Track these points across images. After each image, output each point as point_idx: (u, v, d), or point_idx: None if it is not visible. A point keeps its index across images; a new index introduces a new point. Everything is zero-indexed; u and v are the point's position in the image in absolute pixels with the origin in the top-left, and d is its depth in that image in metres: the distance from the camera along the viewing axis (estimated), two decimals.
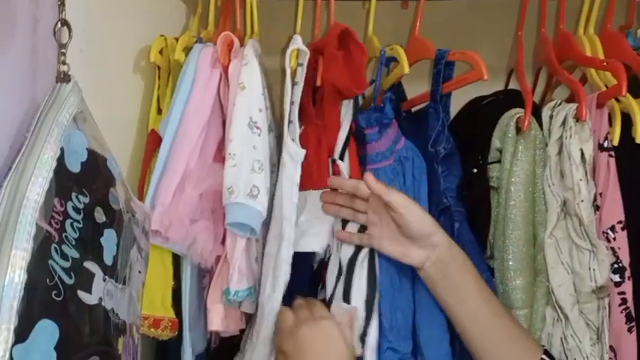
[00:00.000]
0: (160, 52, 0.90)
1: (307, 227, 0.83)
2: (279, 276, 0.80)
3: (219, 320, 0.85)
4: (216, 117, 0.87)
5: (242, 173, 0.79)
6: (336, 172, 0.84)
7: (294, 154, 0.83)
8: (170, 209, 0.80)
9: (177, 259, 0.86)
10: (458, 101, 0.95)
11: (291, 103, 0.83)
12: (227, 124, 0.84)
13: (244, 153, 0.80)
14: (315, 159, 0.85)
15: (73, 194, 0.55)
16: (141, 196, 0.88)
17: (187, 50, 0.89)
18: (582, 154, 0.81)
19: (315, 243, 0.82)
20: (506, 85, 1.07)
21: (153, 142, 0.89)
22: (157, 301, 0.83)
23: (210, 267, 0.86)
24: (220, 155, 0.87)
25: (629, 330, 0.81)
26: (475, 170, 0.90)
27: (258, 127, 0.81)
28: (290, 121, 0.84)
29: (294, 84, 0.83)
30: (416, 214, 0.75)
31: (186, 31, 1.01)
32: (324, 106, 0.85)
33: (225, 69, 0.87)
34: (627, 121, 0.81)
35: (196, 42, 0.92)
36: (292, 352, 0.72)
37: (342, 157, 0.84)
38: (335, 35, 0.78)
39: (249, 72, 0.83)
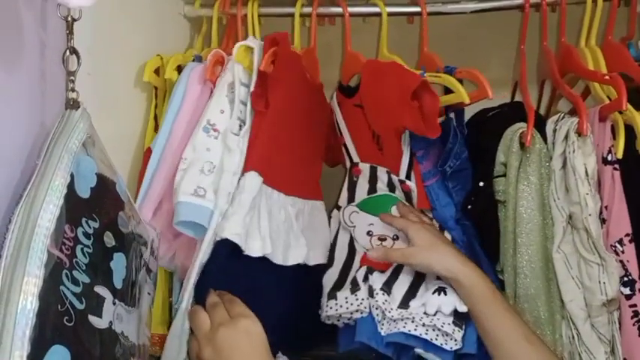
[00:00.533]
0: (157, 71, 0.91)
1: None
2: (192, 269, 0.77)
3: None
4: None
5: (187, 175, 0.77)
6: (406, 188, 0.91)
7: (230, 143, 0.81)
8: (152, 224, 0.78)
9: (172, 277, 0.87)
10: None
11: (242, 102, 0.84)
12: None
13: (195, 156, 0.79)
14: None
15: (83, 220, 0.56)
16: None
17: (181, 69, 0.90)
18: (586, 168, 0.81)
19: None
20: (512, 97, 1.07)
21: (148, 160, 0.90)
22: (155, 319, 0.82)
23: None
24: None
25: None
26: (481, 183, 0.91)
27: (215, 130, 0.80)
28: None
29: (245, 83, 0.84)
30: (419, 269, 0.86)
31: (190, 49, 1.03)
32: (385, 136, 0.92)
33: (215, 84, 0.87)
34: (631, 133, 0.82)
35: (193, 60, 0.93)
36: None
37: (408, 177, 0.91)
38: (410, 89, 0.83)
39: (220, 79, 0.84)
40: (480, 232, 0.91)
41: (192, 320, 0.72)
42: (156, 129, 0.91)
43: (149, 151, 0.89)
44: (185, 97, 0.85)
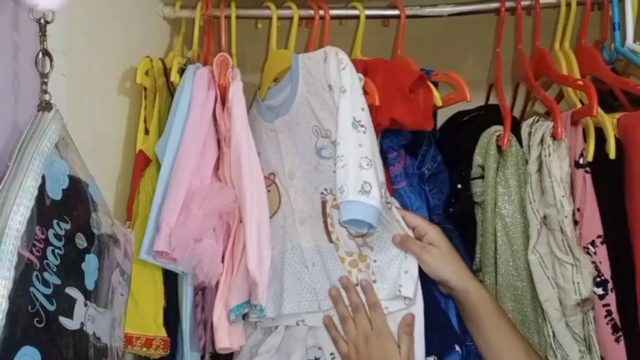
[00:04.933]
0: (146, 72, 0.91)
1: None
2: None
3: (226, 338, 0.85)
4: (212, 137, 0.88)
5: (350, 172, 0.80)
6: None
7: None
8: (176, 230, 0.80)
9: (168, 279, 0.87)
10: (440, 115, 0.96)
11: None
12: (334, 128, 0.84)
13: (350, 152, 0.81)
14: None
15: (55, 221, 0.56)
16: (129, 216, 0.88)
17: (181, 71, 0.91)
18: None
19: None
20: (487, 99, 1.09)
21: (141, 162, 0.90)
22: (148, 321, 0.84)
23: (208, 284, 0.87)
24: (217, 174, 0.89)
25: (617, 340, 0.83)
26: (459, 186, 0.92)
27: (362, 125, 0.82)
28: None
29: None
30: (429, 268, 0.85)
31: (171, 51, 1.02)
32: None
33: (222, 88, 0.88)
34: (601, 136, 0.83)
35: (185, 63, 0.93)
36: None
37: None
38: (408, 81, 0.84)
39: (348, 75, 0.84)
40: (462, 234, 0.92)
41: (343, 324, 0.84)
42: (145, 131, 0.91)
43: (141, 153, 0.90)
44: (193, 102, 0.86)
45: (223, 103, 0.88)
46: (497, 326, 0.83)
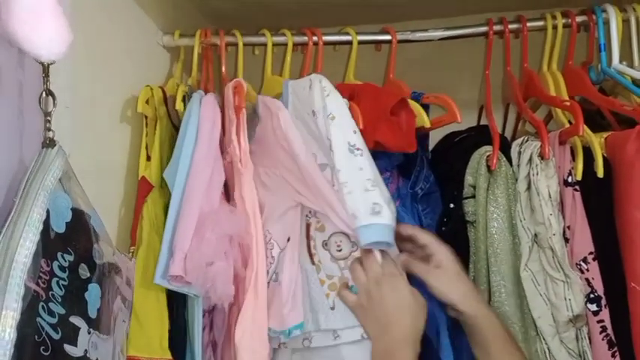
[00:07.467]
0: (147, 101, 0.94)
1: None
2: None
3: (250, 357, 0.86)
4: (219, 162, 0.91)
5: (357, 197, 0.82)
6: None
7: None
8: (191, 254, 0.82)
9: (172, 301, 0.89)
10: (433, 135, 0.99)
11: None
12: (319, 152, 0.86)
13: (353, 178, 0.82)
14: None
15: (59, 254, 0.59)
16: (133, 242, 0.90)
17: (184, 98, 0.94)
18: (549, 190, 0.85)
19: None
20: (478, 119, 1.11)
21: (144, 188, 0.93)
22: (154, 343, 0.86)
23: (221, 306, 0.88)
24: (224, 197, 0.91)
25: (613, 355, 0.84)
26: (452, 205, 0.94)
27: (358, 149, 0.84)
28: None
29: None
30: (437, 292, 0.84)
31: (171, 78, 1.06)
32: None
33: (238, 111, 0.90)
34: (589, 155, 0.85)
35: (188, 91, 0.96)
36: (369, 306, 0.81)
37: None
38: (389, 105, 0.86)
39: (334, 101, 0.86)
40: (455, 253, 0.92)
41: (353, 273, 0.84)
42: (147, 158, 0.94)
43: (144, 180, 0.92)
44: (200, 129, 0.88)
45: (238, 125, 0.90)
46: (505, 352, 0.81)
